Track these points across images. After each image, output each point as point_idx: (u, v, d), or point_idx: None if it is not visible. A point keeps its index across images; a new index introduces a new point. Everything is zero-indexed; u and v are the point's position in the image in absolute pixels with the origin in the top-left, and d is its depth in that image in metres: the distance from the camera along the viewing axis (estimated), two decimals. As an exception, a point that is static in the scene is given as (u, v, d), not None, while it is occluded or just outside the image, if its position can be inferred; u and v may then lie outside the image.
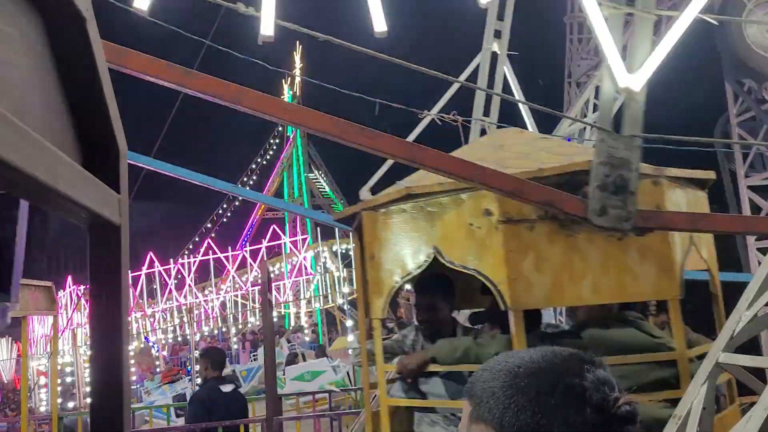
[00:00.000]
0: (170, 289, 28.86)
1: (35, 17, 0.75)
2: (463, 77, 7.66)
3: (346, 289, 27.99)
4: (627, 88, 3.00)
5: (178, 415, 11.58)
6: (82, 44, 0.82)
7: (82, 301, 26.65)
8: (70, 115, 0.84)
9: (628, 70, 3.05)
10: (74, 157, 0.81)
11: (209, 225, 38.85)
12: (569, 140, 9.85)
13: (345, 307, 28.32)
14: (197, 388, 6.24)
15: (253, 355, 21.85)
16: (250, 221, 38.00)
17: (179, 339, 27.65)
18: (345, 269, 29.63)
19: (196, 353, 19.33)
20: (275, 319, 22.08)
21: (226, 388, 6.09)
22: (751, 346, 2.21)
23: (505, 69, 7.67)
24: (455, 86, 7.09)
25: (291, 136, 41.33)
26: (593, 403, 0.95)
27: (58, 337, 6.56)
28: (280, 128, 41.05)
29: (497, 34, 7.67)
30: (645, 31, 3.08)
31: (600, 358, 1.03)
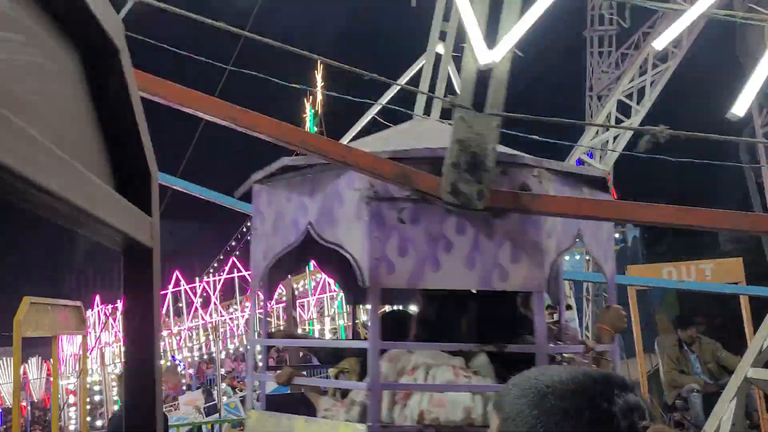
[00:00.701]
0: (196, 308, 29.08)
1: (72, 50, 0.79)
2: (403, 80, 7.87)
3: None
4: (488, 63, 2.89)
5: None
6: (115, 74, 0.86)
7: (110, 320, 26.96)
8: (105, 141, 0.87)
9: (489, 46, 2.93)
10: (108, 182, 0.85)
11: (233, 243, 39.07)
12: (590, 156, 9.78)
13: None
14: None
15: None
16: (273, 239, 38.19)
17: (205, 357, 27.78)
18: (369, 286, 29.61)
19: (222, 371, 19.42)
20: (300, 337, 22.10)
21: None
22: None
23: (450, 71, 7.81)
24: (395, 88, 7.30)
25: (313, 154, 41.52)
26: (621, 430, 0.94)
27: (87, 356, 6.64)
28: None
29: (442, 36, 7.70)
30: (511, 8, 3.00)
31: (632, 382, 1.01)
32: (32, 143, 0.55)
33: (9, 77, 0.58)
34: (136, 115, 0.90)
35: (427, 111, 7.46)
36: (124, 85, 0.87)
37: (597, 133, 9.65)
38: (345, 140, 6.78)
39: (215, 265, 37.50)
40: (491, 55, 2.92)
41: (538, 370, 1.06)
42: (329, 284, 29.55)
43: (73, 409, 18.07)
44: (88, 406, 16.00)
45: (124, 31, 0.88)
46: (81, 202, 0.65)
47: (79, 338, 8.61)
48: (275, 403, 3.70)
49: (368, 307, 3.91)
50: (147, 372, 0.91)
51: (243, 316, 28.84)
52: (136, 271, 0.91)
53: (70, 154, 0.64)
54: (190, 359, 27.96)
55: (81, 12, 0.75)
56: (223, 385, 17.66)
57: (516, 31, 2.98)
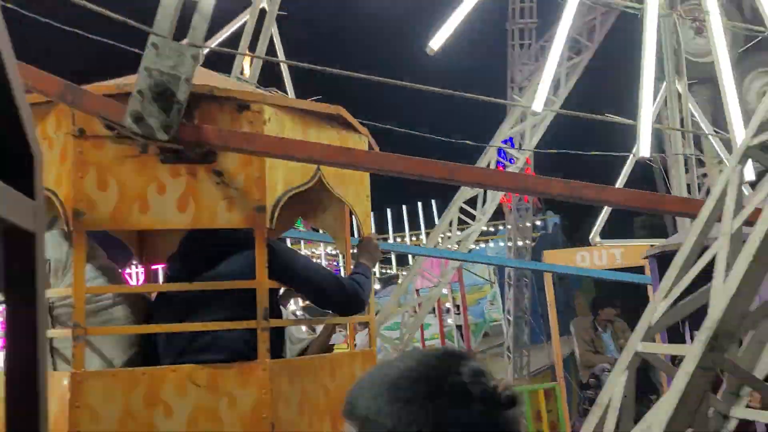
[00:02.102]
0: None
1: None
2: (222, 36, 7.61)
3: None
4: None
5: None
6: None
7: None
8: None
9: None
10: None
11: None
12: (510, 142, 10.03)
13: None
14: None
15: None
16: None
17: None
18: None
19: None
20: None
21: None
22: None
23: (273, 30, 7.48)
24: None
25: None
26: (476, 396, 0.98)
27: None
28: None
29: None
30: None
31: (468, 351, 1.06)
32: None
33: None
34: (15, 92, 0.86)
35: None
36: (1, 65, 0.84)
37: (516, 123, 9.92)
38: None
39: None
40: None
41: (381, 367, 1.08)
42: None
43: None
44: None
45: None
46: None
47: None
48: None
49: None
50: (31, 362, 0.87)
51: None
52: (17, 257, 0.88)
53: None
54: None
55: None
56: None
57: None
